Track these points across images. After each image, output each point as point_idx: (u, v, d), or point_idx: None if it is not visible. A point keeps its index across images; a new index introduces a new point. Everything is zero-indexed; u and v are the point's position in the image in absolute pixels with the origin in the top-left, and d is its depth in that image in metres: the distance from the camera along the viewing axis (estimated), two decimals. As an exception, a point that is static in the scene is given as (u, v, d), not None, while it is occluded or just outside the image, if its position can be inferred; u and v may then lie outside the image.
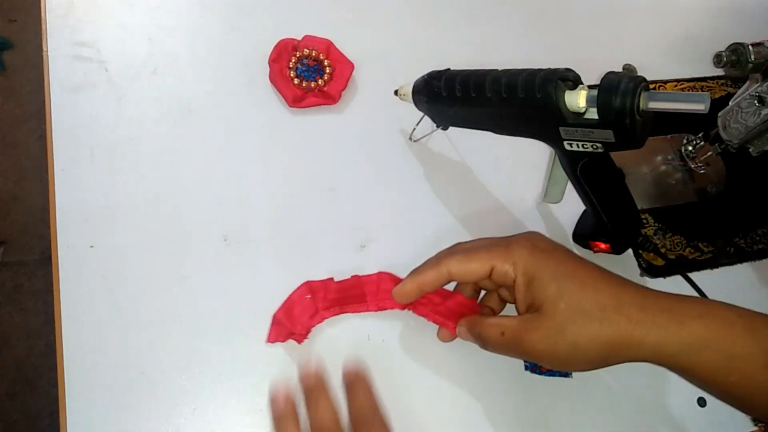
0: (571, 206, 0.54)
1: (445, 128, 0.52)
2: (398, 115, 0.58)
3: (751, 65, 0.56)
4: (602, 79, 0.38)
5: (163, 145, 0.53)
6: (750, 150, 0.54)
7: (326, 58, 0.58)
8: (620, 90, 0.37)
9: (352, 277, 0.49)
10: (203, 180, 0.53)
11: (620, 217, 0.49)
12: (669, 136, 0.63)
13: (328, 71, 0.57)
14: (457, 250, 0.44)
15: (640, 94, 0.37)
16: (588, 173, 0.45)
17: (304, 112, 0.57)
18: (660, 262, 0.56)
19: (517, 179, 0.59)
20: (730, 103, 0.54)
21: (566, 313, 0.37)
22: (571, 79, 0.40)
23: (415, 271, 0.45)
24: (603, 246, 0.53)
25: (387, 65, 0.61)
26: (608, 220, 0.49)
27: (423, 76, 0.49)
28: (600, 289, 0.38)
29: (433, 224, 0.55)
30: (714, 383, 0.36)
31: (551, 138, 0.42)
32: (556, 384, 0.50)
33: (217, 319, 0.48)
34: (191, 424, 0.44)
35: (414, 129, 0.57)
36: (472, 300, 0.47)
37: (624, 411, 0.50)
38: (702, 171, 0.60)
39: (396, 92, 0.54)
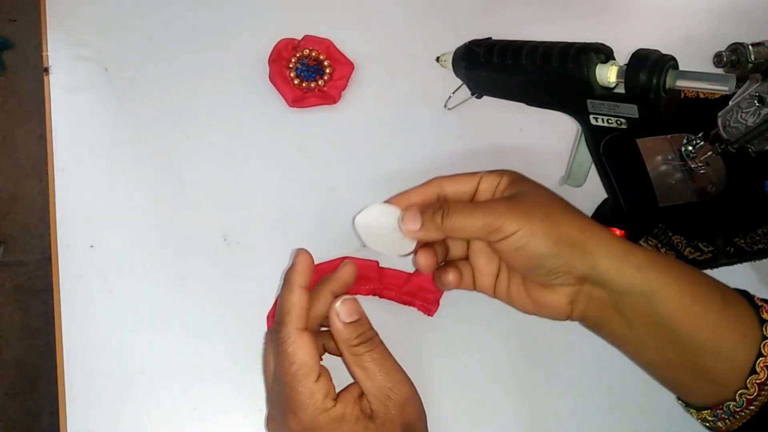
0: (592, 195, 0.55)
1: (479, 97, 0.53)
2: (398, 115, 0.58)
3: (751, 65, 0.56)
4: (632, 55, 0.40)
5: (163, 145, 0.53)
6: (750, 150, 0.54)
7: (326, 58, 0.58)
8: (648, 66, 0.38)
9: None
10: (203, 180, 0.53)
11: (638, 203, 0.50)
12: (669, 136, 0.63)
13: (328, 71, 0.57)
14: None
15: (667, 72, 0.38)
16: (611, 151, 0.46)
17: (304, 112, 0.57)
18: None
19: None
20: (730, 103, 0.54)
21: (546, 196, 0.38)
22: (605, 54, 0.42)
23: (402, 192, 0.42)
24: (618, 232, 0.53)
25: (387, 65, 0.61)
26: (625, 203, 0.49)
27: (465, 43, 0.50)
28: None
29: (433, 224, 0.54)
30: (678, 313, 0.35)
31: (578, 111, 0.44)
32: (556, 384, 0.50)
33: (217, 319, 0.48)
34: (191, 424, 0.44)
35: (450, 97, 0.58)
36: None
37: (624, 411, 0.50)
38: (702, 171, 0.60)
39: (438, 59, 0.55)
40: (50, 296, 0.47)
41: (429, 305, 0.49)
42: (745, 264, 0.58)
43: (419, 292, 0.49)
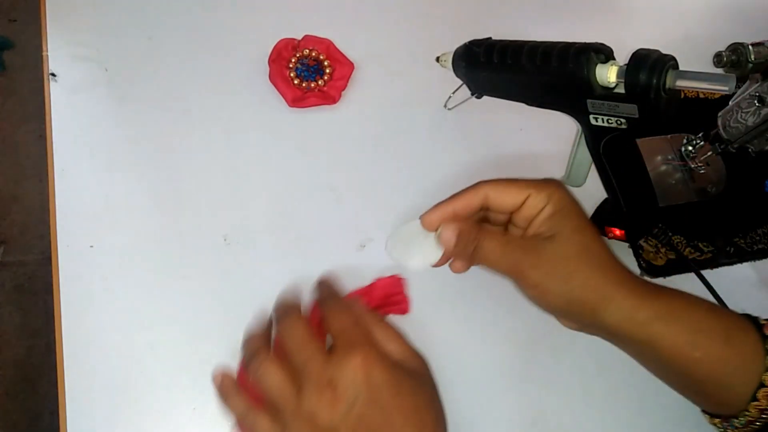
0: (592, 195, 0.55)
1: (479, 96, 0.53)
2: (398, 115, 0.58)
3: (751, 65, 0.56)
4: (632, 55, 0.40)
5: (163, 145, 0.53)
6: (750, 150, 0.54)
7: (326, 58, 0.58)
8: (648, 66, 0.39)
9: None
10: (203, 180, 0.53)
11: (638, 203, 0.50)
12: (669, 136, 0.63)
13: (328, 71, 0.57)
14: (492, 178, 0.42)
15: (667, 72, 0.39)
16: (611, 151, 0.46)
17: (304, 112, 0.57)
18: (662, 261, 0.56)
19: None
20: (730, 103, 0.54)
21: (577, 247, 0.38)
22: (605, 54, 0.42)
23: (448, 198, 0.42)
24: (618, 232, 0.53)
25: (387, 65, 0.61)
26: (625, 203, 0.49)
27: (464, 43, 0.50)
28: (607, 249, 0.39)
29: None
30: (678, 358, 0.37)
31: (578, 111, 0.44)
32: (556, 383, 0.50)
33: (217, 319, 0.47)
34: (191, 424, 0.44)
35: (450, 97, 0.58)
36: (393, 277, 0.48)
37: (624, 411, 0.50)
38: (702, 171, 0.60)
39: (438, 59, 0.54)
40: (50, 296, 0.47)
41: (401, 305, 0.49)
42: (745, 264, 0.58)
43: (386, 298, 0.48)
